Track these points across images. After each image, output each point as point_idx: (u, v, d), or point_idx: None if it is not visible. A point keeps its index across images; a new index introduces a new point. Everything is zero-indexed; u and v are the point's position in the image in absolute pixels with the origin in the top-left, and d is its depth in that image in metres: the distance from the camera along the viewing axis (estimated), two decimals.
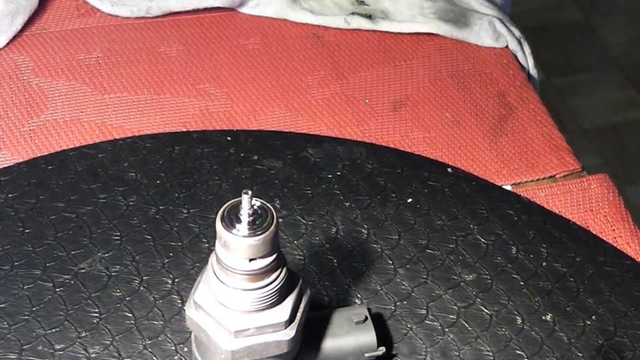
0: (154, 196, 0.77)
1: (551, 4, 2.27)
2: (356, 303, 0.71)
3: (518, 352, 0.68)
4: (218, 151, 0.82)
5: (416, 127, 0.89)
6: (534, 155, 0.87)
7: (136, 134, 0.84)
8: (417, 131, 0.88)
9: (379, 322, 0.69)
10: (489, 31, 0.98)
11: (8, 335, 0.67)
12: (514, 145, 0.88)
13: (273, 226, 0.52)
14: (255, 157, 0.82)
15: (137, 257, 0.73)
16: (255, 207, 0.52)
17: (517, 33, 1.01)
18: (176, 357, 0.66)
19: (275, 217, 0.52)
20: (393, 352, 0.68)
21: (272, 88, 0.91)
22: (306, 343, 0.61)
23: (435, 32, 0.98)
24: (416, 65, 0.96)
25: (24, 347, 0.66)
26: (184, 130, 0.86)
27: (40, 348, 0.66)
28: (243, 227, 0.51)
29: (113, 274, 0.71)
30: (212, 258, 0.55)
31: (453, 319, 0.70)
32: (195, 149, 0.82)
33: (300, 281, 0.57)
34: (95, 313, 0.68)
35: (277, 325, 0.55)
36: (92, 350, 0.66)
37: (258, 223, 0.51)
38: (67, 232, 0.74)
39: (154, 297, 0.70)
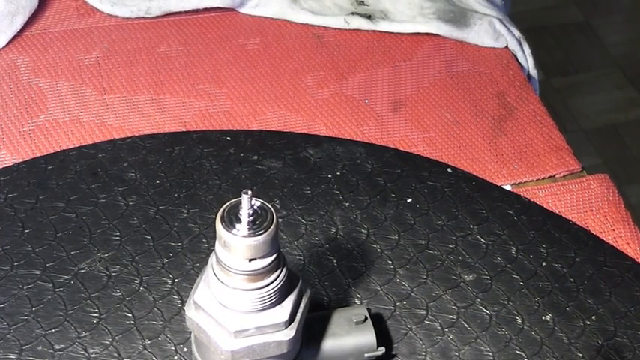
0: (153, 197, 0.78)
1: (551, 5, 2.27)
2: (356, 303, 0.71)
3: (518, 352, 0.68)
4: (218, 151, 0.82)
5: (416, 128, 0.89)
6: (534, 155, 0.87)
7: (136, 134, 0.84)
8: (416, 131, 0.88)
9: (379, 322, 0.69)
10: (489, 32, 0.98)
11: (8, 335, 0.67)
12: (514, 146, 0.88)
13: (272, 226, 0.52)
14: (255, 158, 0.82)
15: (137, 257, 0.73)
16: (255, 207, 0.52)
17: (517, 33, 1.01)
18: (176, 357, 0.66)
19: (275, 217, 0.52)
20: (393, 352, 0.68)
21: (272, 88, 0.91)
22: (306, 343, 0.61)
23: (434, 32, 0.98)
24: (416, 65, 0.96)
25: (24, 347, 0.66)
26: (184, 130, 0.86)
27: (39, 348, 0.66)
28: (243, 227, 0.51)
29: (113, 274, 0.71)
30: (212, 258, 0.55)
31: (452, 319, 0.70)
32: (195, 149, 0.82)
33: (300, 281, 0.57)
34: (95, 313, 0.68)
35: (277, 325, 0.55)
36: (92, 350, 0.66)
37: (257, 223, 0.51)
38: (66, 232, 0.74)
39: (153, 297, 0.70)
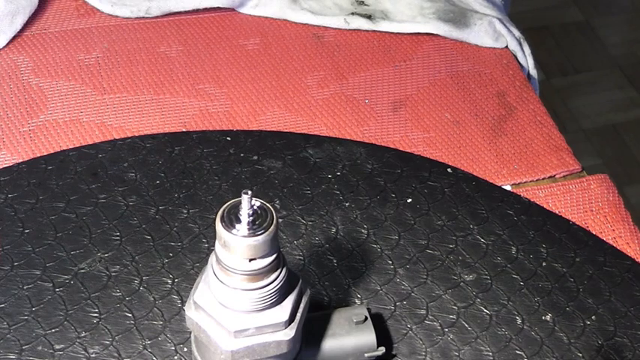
0: (153, 197, 0.78)
1: (551, 5, 2.27)
2: (356, 303, 0.71)
3: (517, 352, 0.68)
4: (218, 151, 0.82)
5: (416, 128, 0.89)
6: (534, 155, 0.87)
7: (136, 134, 0.85)
8: (416, 131, 0.88)
9: (379, 322, 0.69)
10: (489, 32, 0.98)
11: (8, 335, 0.67)
12: (514, 146, 0.88)
13: (272, 226, 0.52)
14: (255, 158, 0.82)
15: (137, 257, 0.73)
16: (255, 207, 0.52)
17: (517, 33, 1.01)
18: (176, 357, 0.66)
19: (275, 217, 0.52)
20: (393, 352, 0.68)
21: (272, 88, 0.91)
22: (306, 343, 0.61)
23: (434, 32, 0.98)
24: (416, 65, 0.96)
25: (24, 347, 0.66)
26: (184, 130, 0.86)
27: (39, 348, 0.66)
28: (243, 227, 0.51)
29: (113, 274, 0.71)
30: (212, 258, 0.55)
31: (452, 319, 0.70)
32: (195, 149, 0.82)
33: (300, 281, 0.57)
34: (95, 313, 0.68)
35: (277, 325, 0.55)
36: (92, 350, 0.66)
37: (257, 223, 0.51)
38: (66, 232, 0.74)
39: (153, 297, 0.70)
